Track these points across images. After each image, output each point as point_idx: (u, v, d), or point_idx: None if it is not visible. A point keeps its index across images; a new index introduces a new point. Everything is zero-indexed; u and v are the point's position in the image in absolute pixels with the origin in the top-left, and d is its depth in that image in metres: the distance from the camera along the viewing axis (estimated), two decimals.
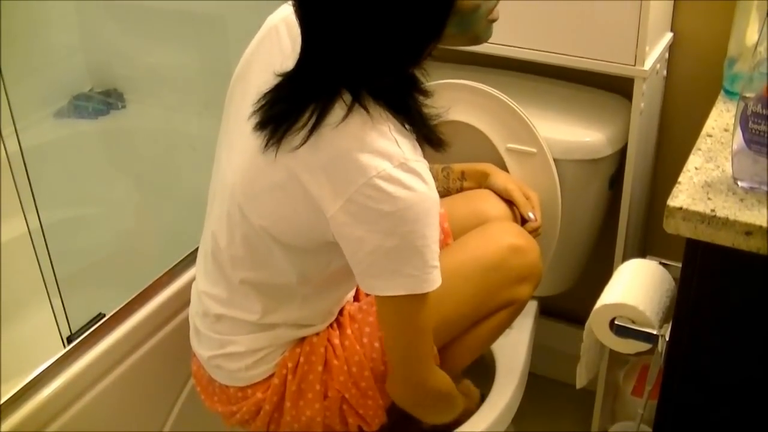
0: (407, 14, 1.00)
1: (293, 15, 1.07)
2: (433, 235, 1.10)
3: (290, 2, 1.11)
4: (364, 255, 1.10)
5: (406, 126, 1.11)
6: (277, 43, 1.20)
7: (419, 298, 1.13)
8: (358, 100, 1.06)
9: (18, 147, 1.38)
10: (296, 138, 1.08)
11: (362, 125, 1.06)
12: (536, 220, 1.48)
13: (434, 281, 1.12)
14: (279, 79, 1.11)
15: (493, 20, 1.13)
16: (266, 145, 1.10)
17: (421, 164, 1.09)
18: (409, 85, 1.13)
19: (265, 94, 1.12)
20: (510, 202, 1.49)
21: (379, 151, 1.06)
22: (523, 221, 1.48)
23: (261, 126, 1.11)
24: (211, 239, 1.28)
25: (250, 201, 1.17)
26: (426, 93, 1.15)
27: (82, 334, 1.38)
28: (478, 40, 1.14)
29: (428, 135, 1.15)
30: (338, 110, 1.06)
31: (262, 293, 1.25)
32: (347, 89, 1.07)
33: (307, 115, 1.07)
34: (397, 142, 1.07)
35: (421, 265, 1.10)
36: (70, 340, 1.36)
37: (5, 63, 1.56)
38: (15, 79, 1.52)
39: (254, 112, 1.12)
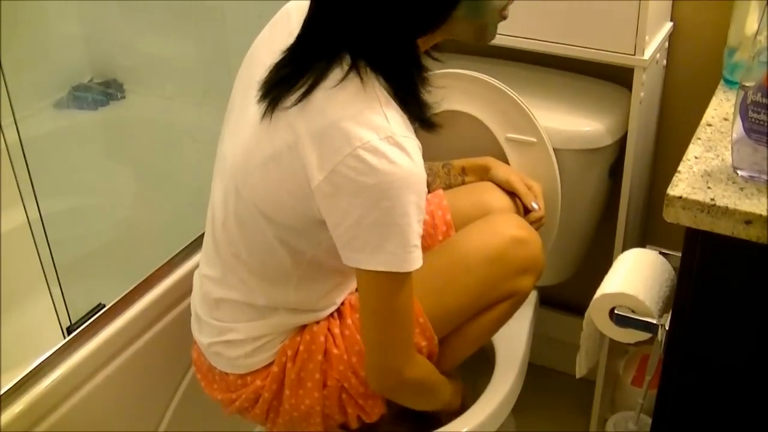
0: None
1: (308, 2, 1.08)
2: (416, 214, 1.09)
3: None
4: (346, 227, 1.10)
5: (401, 103, 1.11)
6: (287, 26, 1.20)
7: (398, 278, 1.13)
8: (356, 67, 1.06)
9: (17, 137, 1.38)
10: (291, 98, 1.08)
11: (354, 95, 1.06)
12: (540, 209, 1.48)
13: (414, 261, 1.12)
14: (284, 54, 1.12)
15: (504, 17, 1.14)
16: (264, 111, 1.11)
17: (410, 141, 1.08)
18: (410, 63, 1.13)
19: (271, 68, 1.13)
20: (513, 194, 1.49)
21: (366, 122, 1.05)
22: (526, 212, 1.48)
23: (263, 95, 1.12)
24: (210, 220, 1.28)
25: (245, 177, 1.18)
26: (426, 79, 1.16)
27: (82, 324, 1.38)
28: (483, 33, 1.15)
29: (421, 116, 1.15)
30: (336, 74, 1.07)
31: (256, 274, 1.25)
32: (349, 54, 1.07)
33: (306, 76, 1.08)
34: (386, 116, 1.06)
35: (402, 244, 1.09)
36: (69, 330, 1.37)
37: (5, 53, 1.56)
38: (15, 70, 1.52)
39: (260, 87, 1.13)
